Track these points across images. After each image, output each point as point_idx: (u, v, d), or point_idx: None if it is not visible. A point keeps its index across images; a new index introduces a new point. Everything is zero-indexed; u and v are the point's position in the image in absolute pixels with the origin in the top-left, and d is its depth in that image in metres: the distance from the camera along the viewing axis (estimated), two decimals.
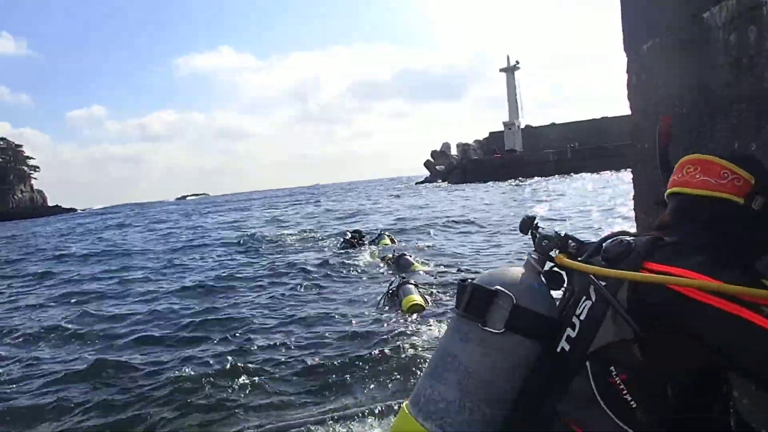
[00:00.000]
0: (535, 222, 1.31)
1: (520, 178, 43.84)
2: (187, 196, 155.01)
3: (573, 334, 1.12)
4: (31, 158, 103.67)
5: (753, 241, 1.14)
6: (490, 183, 41.94)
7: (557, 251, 1.23)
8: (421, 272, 8.65)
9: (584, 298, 1.12)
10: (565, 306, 1.22)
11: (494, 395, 1.14)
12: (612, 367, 1.04)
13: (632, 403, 1.01)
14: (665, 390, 1.00)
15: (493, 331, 1.15)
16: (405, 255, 9.37)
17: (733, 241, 1.12)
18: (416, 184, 59.82)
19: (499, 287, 1.18)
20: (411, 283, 7.22)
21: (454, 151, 64.07)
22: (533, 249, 1.28)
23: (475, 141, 64.94)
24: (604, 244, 1.16)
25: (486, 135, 65.48)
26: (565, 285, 1.28)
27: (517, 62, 61.03)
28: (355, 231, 12.87)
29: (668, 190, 1.24)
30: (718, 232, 1.11)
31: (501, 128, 61.15)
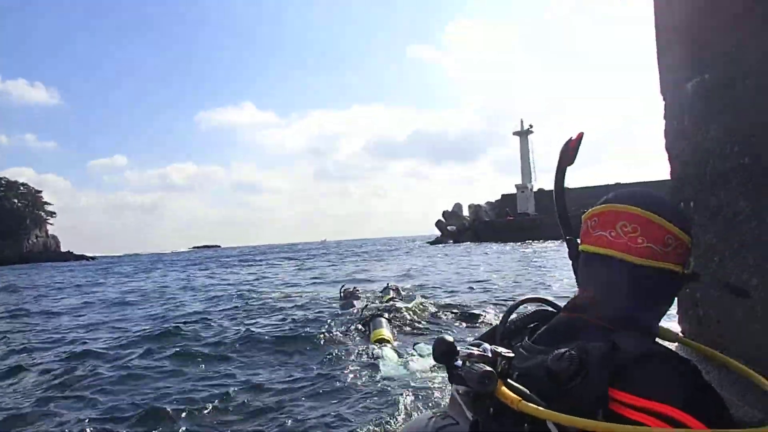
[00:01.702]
0: (455, 348, 0.98)
1: (528, 241, 43.30)
2: (198, 247, 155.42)
3: None
4: (49, 204, 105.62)
5: (671, 302, 1.05)
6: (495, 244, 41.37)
7: (492, 381, 0.89)
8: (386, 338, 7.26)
9: None
10: None
11: None
12: None
13: None
14: None
15: None
16: (380, 317, 7.82)
17: (660, 309, 1.03)
18: (428, 243, 59.40)
19: None
20: (384, 317, 7.56)
21: (465, 212, 63.98)
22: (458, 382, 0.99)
23: (487, 203, 64.91)
24: (548, 359, 0.87)
25: (498, 197, 65.49)
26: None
27: (531, 126, 61.90)
28: (345, 289, 12.09)
29: (594, 249, 1.02)
30: (649, 304, 1.00)
31: (513, 190, 61.21)
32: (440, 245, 52.02)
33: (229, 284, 18.89)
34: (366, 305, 8.24)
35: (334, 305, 10.71)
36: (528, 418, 0.85)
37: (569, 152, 1.16)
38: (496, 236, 48.77)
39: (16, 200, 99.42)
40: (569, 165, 1.16)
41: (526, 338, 1.04)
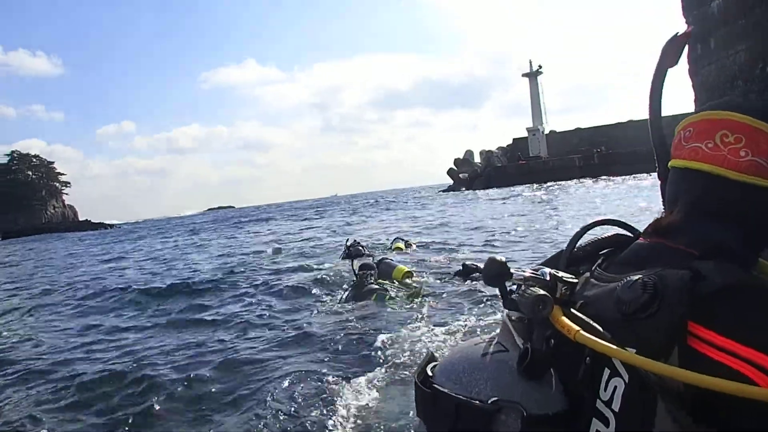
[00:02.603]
0: (508, 270, 0.88)
1: (546, 183, 42.96)
2: (213, 208, 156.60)
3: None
4: (63, 174, 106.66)
5: None
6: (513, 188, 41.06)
7: (546, 305, 0.81)
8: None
9: (607, 372, 0.75)
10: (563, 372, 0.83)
11: None
12: None
13: None
14: None
15: None
16: (386, 259, 7.66)
17: (759, 237, 0.85)
18: (440, 192, 59.27)
19: (499, 399, 0.79)
20: (389, 258, 7.22)
21: (477, 159, 63.41)
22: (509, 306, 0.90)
23: (499, 148, 64.16)
24: (618, 287, 0.77)
25: (509, 141, 64.67)
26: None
27: (540, 66, 60.33)
28: (350, 243, 10.98)
29: (685, 163, 0.86)
30: (746, 230, 0.83)
31: (525, 134, 60.33)
32: (452, 193, 51.89)
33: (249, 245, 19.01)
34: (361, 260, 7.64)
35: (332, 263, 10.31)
36: (589, 351, 0.76)
37: (674, 50, 0.97)
38: (508, 181, 48.44)
39: (30, 172, 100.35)
40: (671, 66, 0.98)
41: (597, 266, 0.92)
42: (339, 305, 6.31)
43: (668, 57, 0.98)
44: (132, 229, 62.02)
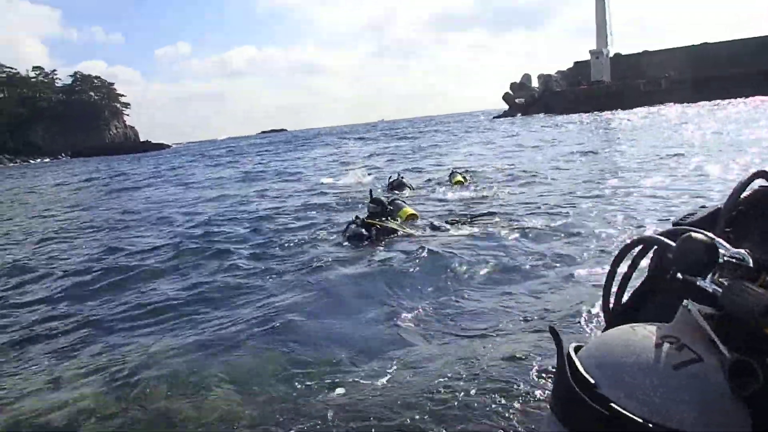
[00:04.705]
0: (717, 254, 0.67)
1: (612, 110, 40.85)
2: (266, 132, 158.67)
3: None
4: (123, 95, 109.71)
5: None
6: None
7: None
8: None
9: None
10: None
11: None
12: None
13: None
14: None
15: None
16: (397, 199, 7.77)
17: None
18: (493, 118, 57.65)
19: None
20: (400, 200, 7.58)
21: (535, 83, 60.84)
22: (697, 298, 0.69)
23: (558, 72, 61.19)
24: None
25: (570, 65, 61.43)
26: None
27: None
28: (392, 180, 11.01)
29: None
30: None
31: (587, 57, 57.02)
32: (507, 119, 50.39)
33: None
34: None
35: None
36: None
37: None
38: (567, 107, 46.45)
39: (92, 93, 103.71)
40: None
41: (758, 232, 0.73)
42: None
43: None
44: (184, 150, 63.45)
